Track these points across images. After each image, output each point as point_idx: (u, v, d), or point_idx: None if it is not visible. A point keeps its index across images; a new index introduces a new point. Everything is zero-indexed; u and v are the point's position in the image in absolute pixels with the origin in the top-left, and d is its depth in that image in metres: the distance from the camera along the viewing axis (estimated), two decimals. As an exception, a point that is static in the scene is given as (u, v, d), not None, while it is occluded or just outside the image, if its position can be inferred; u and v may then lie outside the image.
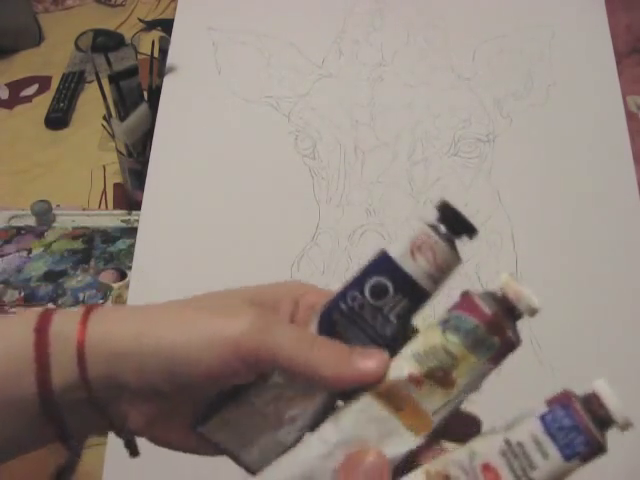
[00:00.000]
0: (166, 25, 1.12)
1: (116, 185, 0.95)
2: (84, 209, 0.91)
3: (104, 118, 0.86)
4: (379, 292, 0.30)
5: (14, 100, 1.10)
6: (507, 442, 0.27)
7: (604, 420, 0.28)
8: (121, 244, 0.85)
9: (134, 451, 0.34)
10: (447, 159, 0.66)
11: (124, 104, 0.81)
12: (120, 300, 0.79)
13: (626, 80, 0.76)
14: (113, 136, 0.85)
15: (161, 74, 0.74)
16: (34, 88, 1.12)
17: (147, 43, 0.99)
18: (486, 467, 0.27)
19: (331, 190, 0.65)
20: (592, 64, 0.70)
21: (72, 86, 1.09)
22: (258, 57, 0.71)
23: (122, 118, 0.82)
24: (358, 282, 0.30)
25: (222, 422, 0.31)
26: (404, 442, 0.28)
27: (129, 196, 0.90)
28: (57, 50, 1.19)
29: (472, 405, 0.31)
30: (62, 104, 1.06)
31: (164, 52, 0.75)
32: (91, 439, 0.67)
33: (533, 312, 0.29)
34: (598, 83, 0.69)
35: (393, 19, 0.72)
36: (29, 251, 0.84)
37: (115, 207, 0.92)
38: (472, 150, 0.66)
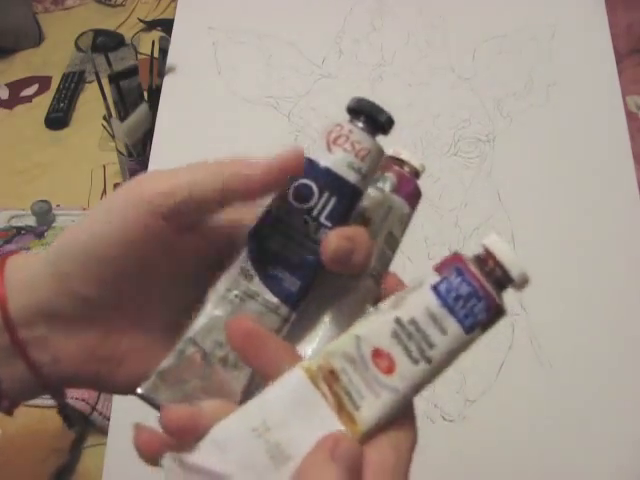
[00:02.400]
0: (166, 25, 1.12)
1: (116, 185, 0.95)
2: (84, 209, 0.91)
3: (104, 118, 0.86)
4: (304, 194, 0.28)
5: (14, 100, 1.10)
6: (398, 321, 0.24)
7: (501, 280, 0.24)
8: (121, 244, 0.85)
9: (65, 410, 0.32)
10: (447, 159, 0.66)
11: (124, 104, 0.81)
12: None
13: (626, 80, 0.76)
14: (113, 136, 0.85)
15: (161, 74, 0.74)
16: (34, 88, 1.12)
17: (147, 43, 0.99)
18: (377, 353, 0.24)
19: (331, 190, 0.65)
20: (592, 64, 0.70)
21: (72, 86, 1.09)
22: (258, 57, 0.71)
23: (122, 118, 0.82)
24: (283, 191, 0.29)
25: (161, 379, 0.29)
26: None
27: (129, 196, 0.90)
28: (57, 50, 1.19)
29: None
30: (62, 104, 1.06)
31: (164, 52, 0.75)
32: (91, 439, 0.67)
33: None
34: (598, 83, 0.69)
35: (393, 19, 0.72)
36: (29, 251, 0.84)
37: (115, 207, 0.92)
38: (472, 150, 0.66)
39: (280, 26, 0.73)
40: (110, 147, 0.93)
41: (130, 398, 0.29)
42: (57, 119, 1.05)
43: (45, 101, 1.08)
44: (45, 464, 0.63)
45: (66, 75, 1.12)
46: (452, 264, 0.24)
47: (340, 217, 0.28)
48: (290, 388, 0.24)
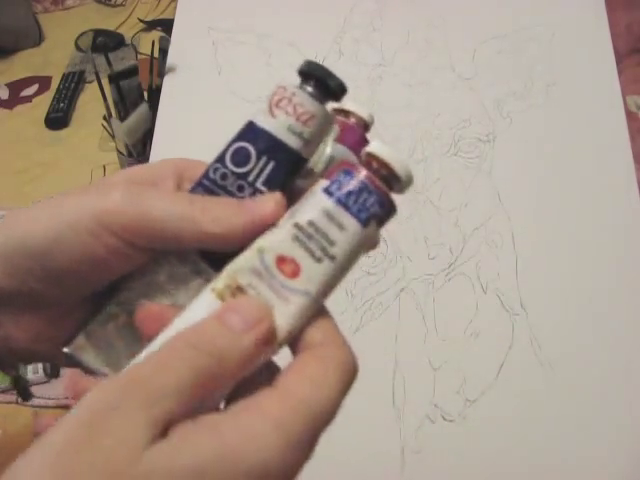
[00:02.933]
0: (166, 25, 1.12)
1: (116, 185, 0.95)
2: (84, 209, 0.91)
3: (104, 118, 0.86)
4: (241, 158, 0.27)
5: (14, 100, 1.10)
6: (297, 226, 0.24)
7: (388, 178, 0.25)
8: (121, 244, 0.85)
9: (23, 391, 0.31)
10: (447, 159, 0.66)
11: (124, 104, 0.81)
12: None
13: (626, 80, 0.76)
14: (113, 136, 0.85)
15: (161, 74, 0.74)
16: (34, 88, 1.12)
17: (147, 43, 0.99)
18: (280, 260, 0.24)
19: (331, 190, 0.65)
20: (592, 64, 0.70)
21: (72, 86, 1.09)
22: (258, 57, 0.71)
23: (122, 118, 0.82)
24: (221, 154, 0.28)
25: (87, 337, 0.28)
26: None
27: (129, 196, 0.90)
28: (57, 50, 1.19)
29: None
30: (62, 104, 1.06)
31: (164, 52, 0.75)
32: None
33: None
34: (598, 83, 0.69)
35: (393, 19, 0.72)
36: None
37: (115, 207, 0.92)
38: (472, 150, 0.66)
39: (280, 26, 0.73)
40: (110, 147, 0.93)
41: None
42: (57, 119, 1.05)
43: (45, 101, 1.08)
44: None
45: (66, 75, 1.12)
46: (340, 168, 0.25)
47: (277, 183, 0.27)
48: (202, 310, 0.24)
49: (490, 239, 0.63)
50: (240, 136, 0.28)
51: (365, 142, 0.31)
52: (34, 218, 0.26)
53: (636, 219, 0.63)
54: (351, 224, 0.24)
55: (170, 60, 0.73)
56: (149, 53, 0.80)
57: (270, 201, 0.26)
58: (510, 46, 0.71)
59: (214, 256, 0.27)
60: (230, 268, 0.24)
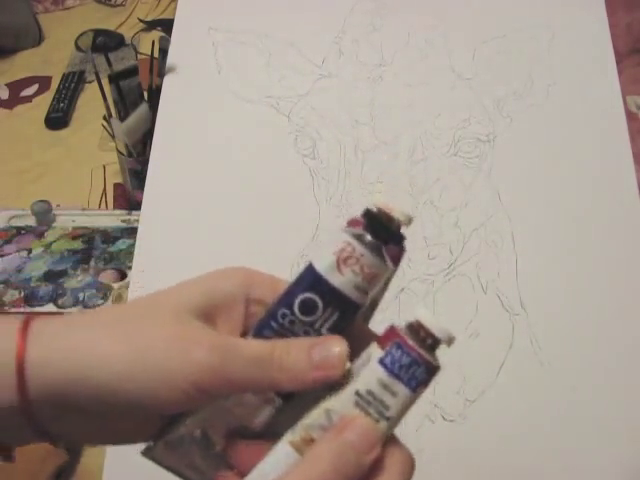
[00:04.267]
0: (166, 25, 1.12)
1: (116, 185, 0.95)
2: (84, 209, 0.91)
3: (104, 118, 0.86)
4: (309, 308, 0.30)
5: (14, 100, 1.10)
6: (357, 393, 0.29)
7: (432, 345, 0.30)
8: (121, 244, 0.85)
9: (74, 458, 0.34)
10: (447, 159, 0.66)
11: (124, 104, 0.81)
12: (120, 300, 0.79)
13: (626, 80, 0.76)
14: (113, 136, 0.85)
15: (161, 74, 0.74)
16: (34, 88, 1.12)
17: (147, 43, 0.99)
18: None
19: (331, 190, 0.65)
20: (592, 64, 0.70)
21: (72, 86, 1.09)
22: (258, 57, 0.71)
23: (122, 118, 0.82)
24: (288, 299, 0.30)
25: (166, 446, 0.30)
26: None
27: (129, 196, 0.90)
28: (57, 50, 1.19)
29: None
30: (62, 104, 1.06)
31: (164, 52, 0.75)
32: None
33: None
34: (598, 83, 0.69)
35: (393, 19, 0.72)
36: (29, 251, 0.85)
37: (115, 207, 0.92)
38: (472, 150, 0.66)
39: (280, 26, 0.73)
40: (110, 147, 0.93)
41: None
42: (57, 119, 1.05)
43: (45, 101, 1.08)
44: (45, 464, 0.63)
45: (66, 75, 1.12)
46: (392, 339, 0.29)
47: (340, 328, 0.30)
48: (281, 459, 0.28)
49: (490, 239, 0.63)
50: (307, 287, 0.30)
51: (403, 250, 0.32)
52: (117, 358, 0.28)
53: (636, 219, 0.63)
54: (403, 391, 0.29)
55: (170, 60, 0.73)
56: (149, 53, 0.80)
57: (335, 351, 0.29)
58: (510, 46, 0.71)
59: None
60: (304, 423, 0.29)
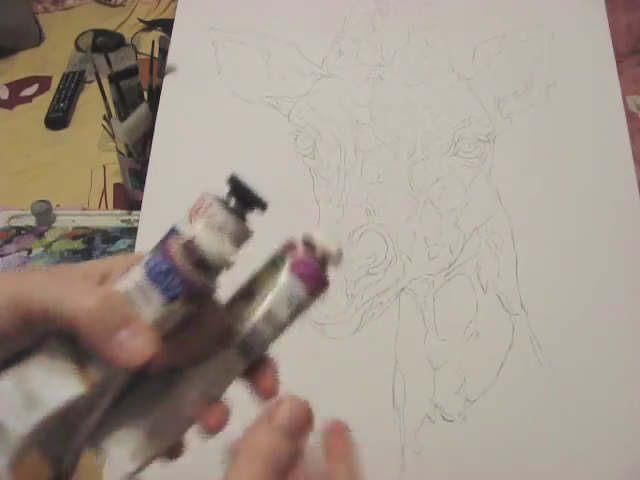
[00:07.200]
0: (166, 25, 1.12)
1: (116, 185, 0.95)
2: (84, 209, 0.91)
3: (104, 118, 0.86)
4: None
5: (14, 100, 1.10)
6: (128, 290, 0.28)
7: (201, 262, 0.28)
8: (121, 244, 0.85)
9: None
10: (447, 159, 0.66)
11: (124, 104, 0.81)
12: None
13: (626, 80, 0.76)
14: (113, 136, 0.85)
15: (161, 74, 0.74)
16: (34, 88, 1.12)
17: (147, 43, 0.99)
18: None
19: (331, 190, 0.65)
20: (592, 64, 0.70)
21: (72, 86, 1.09)
22: (258, 57, 0.71)
23: (122, 118, 0.82)
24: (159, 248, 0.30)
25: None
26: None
27: (129, 196, 0.90)
28: (57, 50, 1.19)
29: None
30: (62, 104, 1.06)
31: (164, 52, 0.75)
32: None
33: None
34: (598, 83, 0.69)
35: (393, 19, 0.72)
36: (29, 251, 0.85)
37: (115, 207, 0.92)
38: (472, 150, 0.66)
39: (280, 26, 0.73)
40: (110, 147, 0.93)
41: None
42: (57, 119, 1.05)
43: (45, 101, 1.08)
44: (45, 464, 0.63)
45: (66, 75, 1.12)
46: (160, 247, 0.29)
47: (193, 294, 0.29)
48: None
49: (490, 239, 0.63)
50: (164, 237, 0.30)
51: (320, 277, 0.32)
52: None
53: (636, 219, 0.63)
54: (157, 298, 0.28)
55: (170, 60, 0.73)
56: (149, 53, 0.80)
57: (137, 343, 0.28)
58: (510, 46, 0.71)
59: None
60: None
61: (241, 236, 0.30)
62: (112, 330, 0.27)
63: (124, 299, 0.28)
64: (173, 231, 0.29)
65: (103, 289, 0.29)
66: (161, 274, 0.28)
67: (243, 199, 0.30)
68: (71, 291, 0.28)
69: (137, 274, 0.28)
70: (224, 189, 0.30)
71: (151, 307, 0.27)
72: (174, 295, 0.28)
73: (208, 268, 0.28)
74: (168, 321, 0.28)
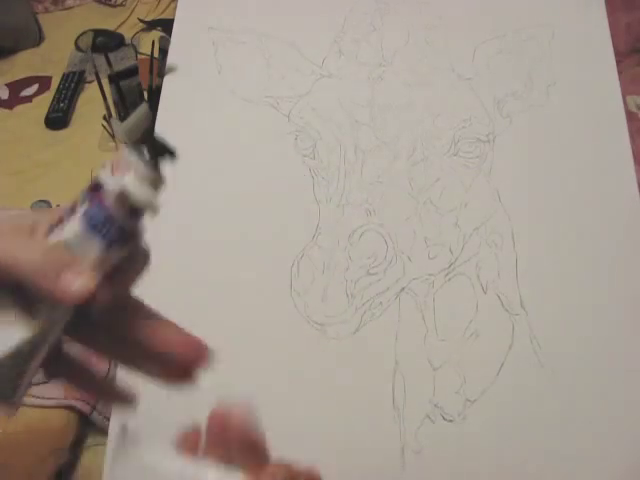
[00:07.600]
0: (166, 25, 1.12)
1: (116, 185, 0.95)
2: (84, 209, 0.91)
3: (104, 118, 0.86)
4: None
5: (14, 100, 1.10)
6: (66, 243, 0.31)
7: (133, 209, 0.32)
8: (121, 244, 0.85)
9: None
10: (447, 159, 0.66)
11: (124, 104, 0.81)
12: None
13: (626, 80, 0.76)
14: (113, 136, 0.85)
15: (161, 74, 0.74)
16: (34, 88, 1.12)
17: (147, 43, 0.99)
18: None
19: (331, 190, 0.65)
20: (592, 64, 0.70)
21: (72, 86, 1.09)
22: (258, 57, 0.71)
23: (122, 118, 0.82)
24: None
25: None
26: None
27: (129, 196, 0.90)
28: (57, 50, 1.19)
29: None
30: (62, 104, 1.06)
31: (164, 52, 0.75)
32: (91, 439, 0.67)
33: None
34: (598, 83, 0.69)
35: (393, 19, 0.72)
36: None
37: (115, 207, 0.92)
38: (472, 150, 0.66)
39: (280, 26, 0.73)
40: (110, 147, 0.93)
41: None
42: (57, 119, 1.05)
43: (45, 101, 1.08)
44: (45, 463, 0.63)
45: (66, 75, 1.12)
46: (92, 196, 0.31)
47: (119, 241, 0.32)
48: None
49: (490, 239, 0.63)
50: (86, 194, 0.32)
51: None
52: None
53: (636, 219, 0.63)
54: (97, 245, 0.31)
55: (170, 60, 0.73)
56: (149, 53, 0.81)
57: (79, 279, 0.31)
58: (510, 46, 0.71)
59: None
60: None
61: (159, 183, 0.34)
62: (58, 275, 0.30)
63: (64, 249, 0.31)
64: (98, 185, 0.31)
65: (45, 242, 0.31)
66: (100, 223, 0.31)
67: (156, 151, 0.34)
68: (17, 245, 0.31)
69: (75, 225, 0.31)
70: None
71: (92, 253, 0.31)
72: (112, 240, 0.31)
73: (138, 214, 0.32)
74: (105, 264, 0.31)
